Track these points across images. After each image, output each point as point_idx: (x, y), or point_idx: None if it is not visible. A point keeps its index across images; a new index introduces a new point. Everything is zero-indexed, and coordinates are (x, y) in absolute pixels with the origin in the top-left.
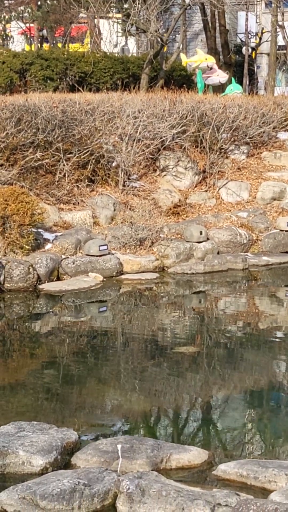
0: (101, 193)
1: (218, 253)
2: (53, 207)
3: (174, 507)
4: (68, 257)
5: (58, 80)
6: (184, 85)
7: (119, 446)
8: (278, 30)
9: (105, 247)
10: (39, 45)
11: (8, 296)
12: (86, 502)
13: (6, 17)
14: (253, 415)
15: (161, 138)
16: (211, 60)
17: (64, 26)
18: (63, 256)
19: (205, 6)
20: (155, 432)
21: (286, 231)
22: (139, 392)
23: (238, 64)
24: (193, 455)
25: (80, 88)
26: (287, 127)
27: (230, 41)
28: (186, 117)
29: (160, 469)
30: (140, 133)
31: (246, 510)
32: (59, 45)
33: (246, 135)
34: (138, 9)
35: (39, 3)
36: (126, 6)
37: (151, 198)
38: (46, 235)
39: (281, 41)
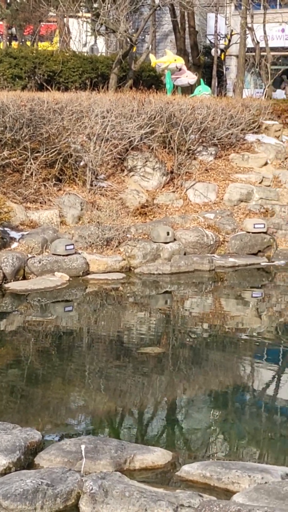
0: (68, 192)
1: (184, 254)
2: (19, 206)
3: (137, 507)
4: (34, 256)
5: (27, 78)
6: (153, 86)
7: (82, 447)
8: (247, 32)
9: (71, 247)
10: (7, 43)
11: None
12: (49, 503)
13: None
14: (217, 416)
15: (129, 138)
16: (180, 61)
17: (33, 24)
18: (30, 255)
19: (175, 7)
20: (120, 433)
21: (252, 233)
22: (104, 392)
23: (207, 66)
24: (157, 456)
25: (49, 87)
26: (255, 129)
27: (199, 43)
28: (155, 117)
29: (124, 469)
30: (108, 133)
31: (209, 511)
32: (28, 43)
33: (214, 137)
34: (107, 9)
35: (8, 1)
36: (95, 5)
37: (118, 198)
38: (13, 234)
39: (250, 43)
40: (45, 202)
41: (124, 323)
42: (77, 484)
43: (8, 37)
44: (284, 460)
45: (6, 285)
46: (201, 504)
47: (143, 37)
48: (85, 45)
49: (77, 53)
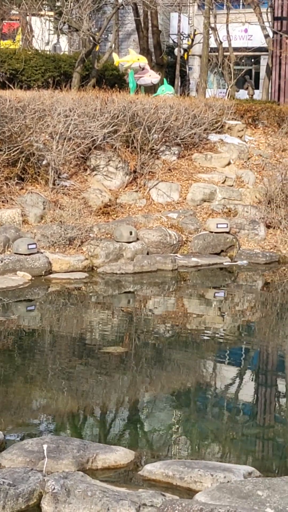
0: (31, 191)
1: (147, 253)
2: None
3: (100, 507)
4: None
5: None
6: (116, 85)
7: (44, 446)
8: (210, 32)
9: (34, 246)
10: None
11: None
12: (10, 502)
13: None
14: (180, 415)
15: (92, 137)
16: (143, 61)
17: None
18: None
19: (138, 6)
20: (82, 432)
21: (215, 232)
22: (66, 392)
23: (170, 65)
24: (119, 455)
25: (11, 85)
26: (218, 129)
27: (162, 42)
28: (118, 117)
29: (86, 469)
30: (71, 132)
31: (171, 511)
32: None
33: (177, 136)
34: (70, 7)
35: None
36: (58, 4)
37: (81, 198)
38: None
39: (213, 43)
40: (7, 201)
41: (87, 323)
42: (39, 483)
43: None
44: (247, 459)
45: None
46: (163, 503)
47: (106, 36)
48: (48, 43)
49: (39, 51)
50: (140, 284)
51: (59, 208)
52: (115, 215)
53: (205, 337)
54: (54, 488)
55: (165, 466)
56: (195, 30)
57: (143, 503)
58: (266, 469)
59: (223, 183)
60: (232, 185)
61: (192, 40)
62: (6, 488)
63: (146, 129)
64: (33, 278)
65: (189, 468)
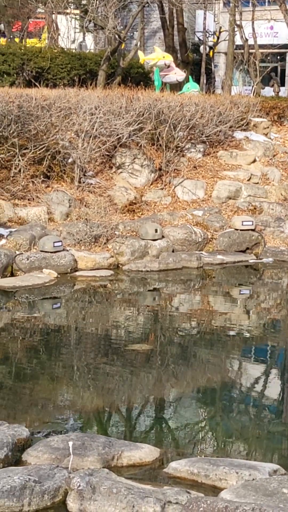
0: (57, 189)
1: (173, 251)
2: (7, 202)
3: (125, 504)
4: (22, 253)
5: (15, 75)
6: (141, 83)
7: (70, 443)
8: (236, 29)
9: (59, 244)
10: None
11: None
12: (36, 499)
13: None
14: (205, 413)
15: (117, 135)
16: (168, 58)
17: (21, 21)
18: (17, 252)
19: (164, 4)
20: (108, 430)
21: (241, 230)
22: (92, 389)
23: (196, 63)
24: (145, 453)
25: (37, 84)
26: (243, 127)
27: (188, 40)
28: (143, 114)
29: (111, 466)
30: (96, 130)
31: (196, 508)
32: (17, 40)
33: (202, 134)
34: (96, 5)
35: None
36: (84, 2)
37: (106, 195)
38: (1, 230)
39: (238, 41)
40: (33, 199)
41: (112, 320)
42: (65, 480)
43: None
44: (272, 457)
45: None
46: (188, 500)
47: (131, 34)
48: (73, 41)
49: (65, 49)
50: (165, 281)
51: (85, 206)
52: (140, 213)
53: (231, 335)
54: (79, 485)
55: (190, 464)
56: (220, 28)
57: (168, 500)
58: None
59: (248, 180)
60: (258, 183)
61: (218, 38)
62: (32, 485)
63: (172, 127)
64: (58, 276)
65: (214, 465)
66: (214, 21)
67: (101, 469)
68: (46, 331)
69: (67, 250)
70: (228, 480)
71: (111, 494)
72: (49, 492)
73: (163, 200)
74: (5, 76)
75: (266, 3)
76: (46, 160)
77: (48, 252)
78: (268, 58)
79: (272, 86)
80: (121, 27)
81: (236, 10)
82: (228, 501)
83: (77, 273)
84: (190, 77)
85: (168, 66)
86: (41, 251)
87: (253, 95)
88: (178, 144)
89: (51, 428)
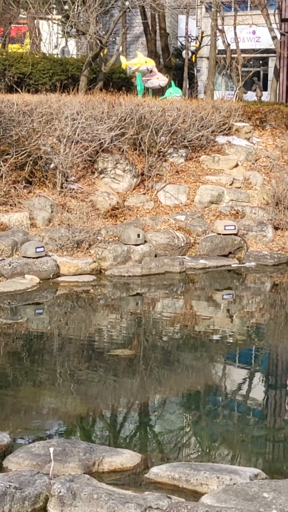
0: (39, 194)
1: (155, 256)
2: None
3: (105, 510)
4: (4, 259)
5: None
6: (123, 88)
7: (51, 449)
8: (218, 34)
9: (42, 249)
10: None
11: None
12: (17, 506)
13: None
14: (188, 418)
15: (99, 140)
16: (151, 63)
17: (3, 26)
18: None
19: (146, 9)
20: (90, 435)
21: (223, 234)
22: (75, 395)
23: (178, 68)
24: (126, 458)
25: (19, 89)
26: (225, 131)
27: (170, 45)
28: (125, 119)
29: (93, 472)
30: (78, 135)
31: None
32: None
33: (184, 139)
34: (77, 10)
35: None
36: (66, 7)
37: (89, 200)
38: None
39: (221, 45)
40: (15, 204)
41: (95, 326)
42: (46, 487)
43: None
44: (254, 461)
45: None
46: (169, 505)
47: (114, 39)
48: (56, 47)
49: (47, 55)
50: (148, 286)
51: (67, 211)
52: (122, 218)
53: (214, 339)
54: (60, 491)
55: (171, 469)
56: (202, 32)
57: (149, 505)
58: (274, 471)
59: (230, 185)
60: (240, 187)
61: (200, 43)
62: (12, 491)
63: (154, 132)
64: (41, 281)
65: (195, 470)
66: (197, 26)
67: (82, 475)
68: (28, 337)
69: (49, 256)
70: (209, 485)
71: (91, 500)
72: (30, 498)
73: (146, 205)
74: None
75: (248, 8)
76: (28, 166)
77: (30, 257)
78: (250, 62)
79: (255, 90)
80: (103, 32)
81: (218, 15)
82: (208, 506)
83: (60, 279)
84: (172, 82)
85: (151, 71)
86: (23, 256)
87: (236, 100)
88: (160, 149)
89: (33, 434)
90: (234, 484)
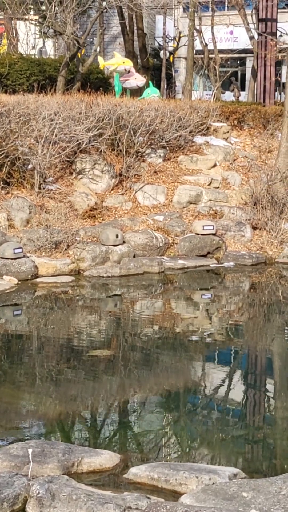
0: (17, 195)
1: (134, 256)
2: None
3: (84, 510)
4: None
5: None
6: (101, 88)
7: (29, 450)
8: (195, 34)
9: (20, 250)
10: None
11: None
12: None
13: None
14: (167, 418)
15: (77, 141)
16: (128, 64)
17: None
18: None
19: (123, 9)
20: (69, 436)
21: (202, 234)
22: (53, 396)
23: (156, 68)
24: (105, 459)
25: None
26: (203, 131)
27: (148, 45)
28: (103, 120)
29: (72, 473)
30: (56, 136)
31: None
32: None
33: (162, 139)
34: (54, 11)
35: None
36: (43, 7)
37: (67, 201)
38: None
39: (198, 46)
40: None
41: (74, 326)
42: (24, 488)
43: None
44: (233, 461)
45: None
46: (148, 506)
47: (91, 40)
48: (33, 47)
49: (24, 55)
50: (127, 287)
51: (45, 212)
52: (101, 219)
53: (193, 339)
54: (39, 493)
55: (150, 469)
56: (180, 33)
57: (128, 506)
58: (252, 471)
59: (209, 185)
60: (218, 187)
61: (178, 43)
62: None
63: (132, 132)
64: (19, 282)
65: (174, 470)
66: (174, 26)
67: (60, 476)
68: (7, 337)
69: (28, 257)
70: (188, 484)
71: (70, 500)
72: (8, 500)
73: (124, 206)
74: None
75: (226, 8)
76: (6, 166)
77: (8, 258)
78: (228, 63)
79: (232, 90)
80: (81, 32)
81: (196, 15)
82: (188, 506)
83: (38, 280)
84: (150, 82)
85: (128, 72)
86: (1, 257)
87: (213, 100)
88: (138, 149)
89: (11, 436)
90: (213, 483)
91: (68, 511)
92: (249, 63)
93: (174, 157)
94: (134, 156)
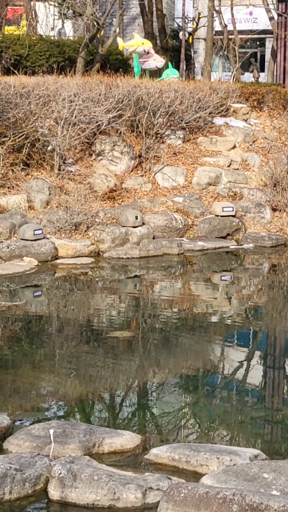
0: (36, 177)
1: (153, 238)
2: None
3: (106, 491)
4: (2, 241)
5: None
6: (121, 69)
7: (51, 431)
8: (215, 15)
9: (40, 232)
10: None
11: None
12: (17, 487)
13: None
14: (187, 399)
15: (97, 122)
16: (148, 45)
17: None
18: None
19: None
20: (90, 417)
21: (221, 216)
22: (74, 377)
23: (175, 49)
24: (126, 440)
25: (16, 71)
26: (223, 113)
27: (167, 26)
28: (122, 101)
29: (93, 453)
30: (75, 117)
31: (177, 494)
32: None
33: (182, 120)
34: None
35: None
36: None
37: (86, 183)
38: None
39: (218, 27)
40: (12, 187)
41: (93, 308)
42: (46, 468)
43: None
44: (254, 442)
45: None
46: (169, 486)
47: (110, 21)
48: (52, 29)
49: (44, 37)
50: (146, 268)
51: (65, 193)
52: (120, 200)
53: (212, 321)
54: (60, 473)
55: (171, 450)
56: (199, 14)
57: (149, 486)
58: (273, 452)
59: (228, 166)
60: (238, 169)
61: (197, 24)
62: (13, 473)
63: (151, 114)
64: (39, 264)
65: (195, 451)
66: (193, 7)
67: (82, 457)
68: (27, 319)
69: (48, 238)
70: (209, 465)
71: (92, 481)
72: (30, 480)
73: (143, 187)
74: None
75: None
76: (26, 148)
77: (28, 240)
78: (248, 43)
79: (252, 71)
80: (100, 13)
81: None
82: (209, 487)
83: (58, 261)
84: (169, 63)
85: (147, 53)
86: (21, 239)
87: (233, 81)
88: (158, 130)
89: (33, 416)
90: (234, 465)
91: (89, 491)
92: (268, 44)
93: (194, 139)
94: (154, 138)
